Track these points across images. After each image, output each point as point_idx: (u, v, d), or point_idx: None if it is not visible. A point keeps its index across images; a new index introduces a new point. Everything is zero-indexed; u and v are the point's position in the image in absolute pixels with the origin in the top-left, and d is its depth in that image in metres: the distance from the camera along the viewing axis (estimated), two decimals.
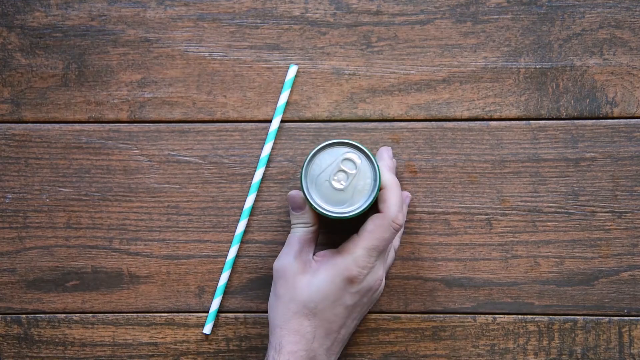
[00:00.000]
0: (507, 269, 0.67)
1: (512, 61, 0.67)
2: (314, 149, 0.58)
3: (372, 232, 0.58)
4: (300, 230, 0.61)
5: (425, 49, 0.67)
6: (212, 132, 0.68)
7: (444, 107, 0.67)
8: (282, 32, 0.68)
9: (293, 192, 0.61)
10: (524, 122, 0.67)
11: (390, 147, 0.65)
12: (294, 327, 0.59)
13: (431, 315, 0.68)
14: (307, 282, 0.59)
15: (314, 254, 0.62)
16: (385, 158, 0.63)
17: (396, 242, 0.66)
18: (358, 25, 0.67)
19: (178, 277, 0.68)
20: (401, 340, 0.68)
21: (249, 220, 0.68)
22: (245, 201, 0.68)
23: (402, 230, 0.66)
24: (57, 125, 0.69)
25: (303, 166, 0.58)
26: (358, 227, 0.66)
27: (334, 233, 0.67)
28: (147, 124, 0.68)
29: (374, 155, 0.59)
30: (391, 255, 0.65)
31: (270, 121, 0.68)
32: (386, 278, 0.67)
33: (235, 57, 0.68)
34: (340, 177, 0.58)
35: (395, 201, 0.58)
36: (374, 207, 0.60)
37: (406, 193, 0.66)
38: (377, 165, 0.58)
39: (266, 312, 0.68)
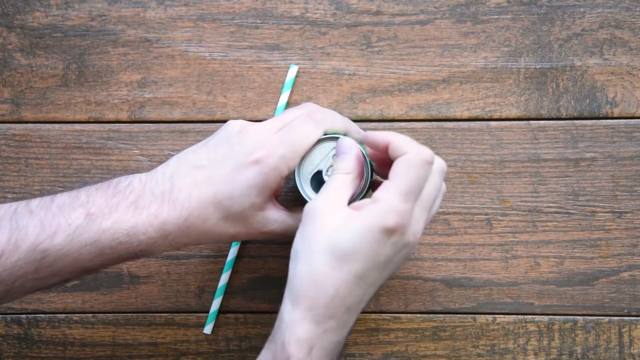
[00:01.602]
0: (507, 269, 0.67)
1: (512, 61, 0.67)
2: None
3: (403, 174, 0.51)
4: (337, 176, 0.55)
5: (425, 49, 0.67)
6: (212, 132, 0.68)
7: (444, 107, 0.67)
8: (282, 32, 0.68)
9: (343, 137, 0.57)
10: (524, 122, 0.67)
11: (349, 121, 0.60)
12: (314, 277, 0.50)
13: (431, 315, 0.68)
14: (337, 225, 0.51)
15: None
16: (355, 132, 0.59)
17: (443, 186, 0.56)
18: (358, 25, 0.67)
19: (178, 277, 0.68)
20: (401, 340, 0.68)
21: None
22: None
23: (440, 170, 0.55)
24: (57, 125, 0.69)
25: None
26: None
27: None
28: (147, 124, 0.68)
29: (364, 147, 0.59)
30: (437, 203, 0.56)
31: None
32: None
33: (235, 57, 0.68)
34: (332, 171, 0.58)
35: (404, 140, 0.52)
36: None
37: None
38: (367, 156, 0.58)
39: (266, 312, 0.68)
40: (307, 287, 0.50)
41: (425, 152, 0.51)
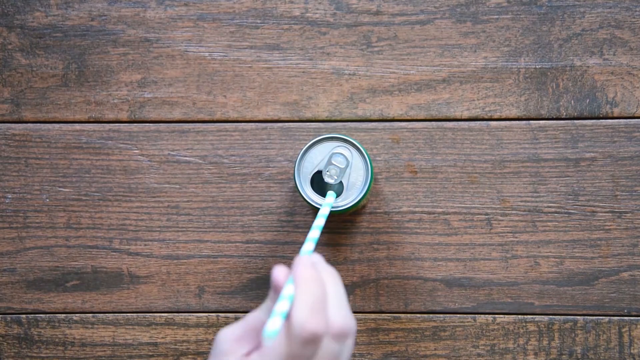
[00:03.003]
0: (507, 269, 0.67)
1: (512, 61, 0.67)
2: (305, 145, 0.59)
3: (274, 349, 0.43)
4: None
5: (425, 49, 0.67)
6: (212, 132, 0.68)
7: (444, 107, 0.67)
8: (282, 32, 0.68)
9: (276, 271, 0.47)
10: (524, 122, 0.67)
11: (305, 256, 0.48)
12: None
13: (431, 315, 0.68)
14: None
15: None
16: (297, 268, 0.46)
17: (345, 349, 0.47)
18: (358, 25, 0.67)
19: (178, 277, 0.68)
20: (401, 340, 0.68)
21: (248, 220, 0.68)
22: (246, 201, 0.68)
23: (347, 337, 0.46)
24: (57, 125, 0.69)
25: (295, 163, 0.59)
26: (355, 222, 0.66)
27: (332, 232, 0.67)
28: (147, 124, 0.68)
29: (364, 148, 0.60)
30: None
31: (270, 121, 0.68)
32: (386, 279, 0.68)
33: (235, 57, 0.68)
34: (332, 172, 0.59)
35: (303, 302, 0.43)
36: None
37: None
38: (368, 157, 0.59)
39: None
40: None
41: (309, 327, 0.43)
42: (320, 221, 0.52)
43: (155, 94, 0.68)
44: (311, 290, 0.44)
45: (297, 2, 0.67)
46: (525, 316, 0.67)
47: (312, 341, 0.43)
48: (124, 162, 0.68)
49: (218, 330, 0.68)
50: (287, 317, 0.44)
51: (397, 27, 0.67)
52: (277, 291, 0.46)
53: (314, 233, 0.50)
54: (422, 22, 0.67)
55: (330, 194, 0.59)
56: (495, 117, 0.67)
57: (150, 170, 0.68)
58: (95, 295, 0.69)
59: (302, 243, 0.68)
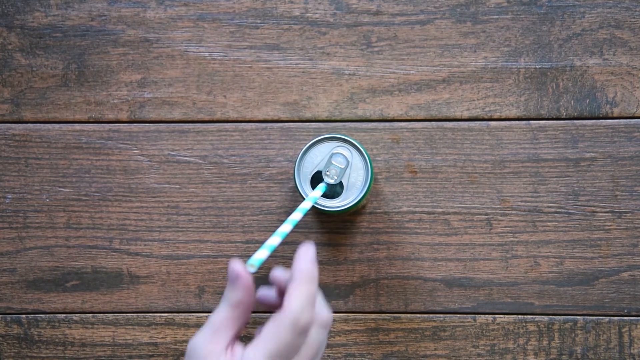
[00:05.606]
0: (507, 269, 0.67)
1: (512, 61, 0.67)
2: (305, 145, 0.59)
3: (271, 335, 0.48)
4: (224, 308, 0.50)
5: (425, 49, 0.67)
6: (212, 132, 0.68)
7: (444, 107, 0.67)
8: (282, 32, 0.68)
9: (234, 262, 0.51)
10: (524, 122, 0.67)
11: (311, 247, 0.52)
12: None
13: (431, 315, 0.68)
14: None
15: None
16: (302, 261, 0.51)
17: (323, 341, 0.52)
18: (358, 25, 0.67)
19: (178, 277, 0.68)
20: (401, 340, 0.68)
21: (248, 220, 0.68)
22: (246, 201, 0.68)
23: (328, 328, 0.52)
24: (57, 125, 0.69)
25: (295, 163, 0.59)
26: (355, 222, 0.67)
27: (332, 232, 0.67)
28: (147, 124, 0.68)
29: (364, 148, 0.60)
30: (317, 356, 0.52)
31: (270, 121, 0.68)
32: (386, 279, 0.68)
33: (235, 57, 0.68)
34: (332, 172, 0.59)
35: (300, 296, 0.48)
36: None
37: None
38: (368, 157, 0.59)
39: (266, 312, 0.68)
40: None
41: (304, 318, 0.48)
42: (296, 215, 0.54)
43: (155, 94, 0.68)
44: (308, 285, 0.49)
45: (297, 2, 0.67)
46: (525, 316, 0.67)
47: (305, 331, 0.48)
48: (124, 162, 0.68)
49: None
50: (282, 309, 0.48)
51: (397, 27, 0.67)
52: (234, 283, 0.50)
53: (286, 227, 0.53)
54: (422, 22, 0.67)
55: (319, 188, 0.58)
56: (495, 117, 0.67)
57: (150, 170, 0.68)
58: (95, 295, 0.69)
59: (301, 243, 0.68)
